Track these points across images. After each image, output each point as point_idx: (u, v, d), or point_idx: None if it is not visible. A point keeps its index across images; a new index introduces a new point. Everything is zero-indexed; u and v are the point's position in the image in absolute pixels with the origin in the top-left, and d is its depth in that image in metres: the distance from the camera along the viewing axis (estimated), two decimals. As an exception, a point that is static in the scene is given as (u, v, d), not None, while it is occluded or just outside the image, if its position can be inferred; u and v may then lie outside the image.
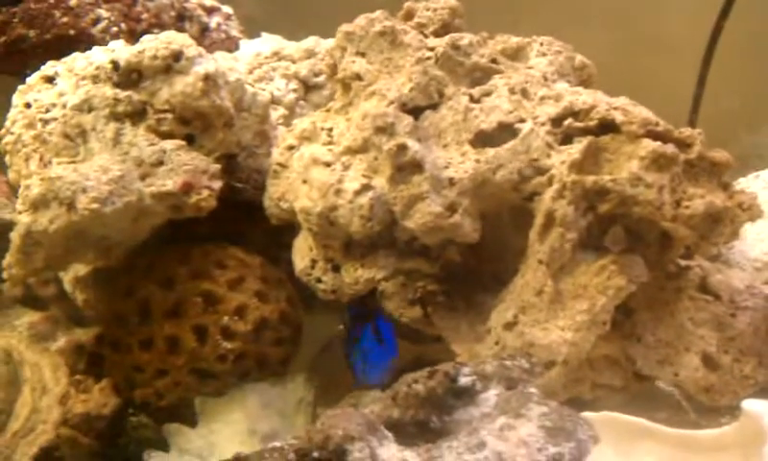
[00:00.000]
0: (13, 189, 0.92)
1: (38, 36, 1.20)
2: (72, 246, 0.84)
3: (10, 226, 1.04)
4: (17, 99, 0.92)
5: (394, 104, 0.86)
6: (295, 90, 1.10)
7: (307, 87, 1.11)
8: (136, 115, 0.87)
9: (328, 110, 0.93)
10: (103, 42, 1.23)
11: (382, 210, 0.84)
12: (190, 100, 0.88)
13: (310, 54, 1.14)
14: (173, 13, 1.31)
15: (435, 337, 0.94)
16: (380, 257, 0.87)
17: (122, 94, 0.86)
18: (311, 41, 1.16)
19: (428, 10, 0.95)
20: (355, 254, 0.88)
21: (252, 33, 1.34)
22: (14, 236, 0.83)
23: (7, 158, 0.89)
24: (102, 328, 0.97)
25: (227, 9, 1.36)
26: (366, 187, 0.84)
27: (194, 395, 0.88)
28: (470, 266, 0.90)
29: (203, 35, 1.34)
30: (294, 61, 1.12)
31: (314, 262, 0.90)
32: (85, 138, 0.86)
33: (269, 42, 1.26)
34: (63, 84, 0.90)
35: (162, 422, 0.90)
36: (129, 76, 0.88)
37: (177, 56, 0.88)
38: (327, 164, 0.86)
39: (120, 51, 0.88)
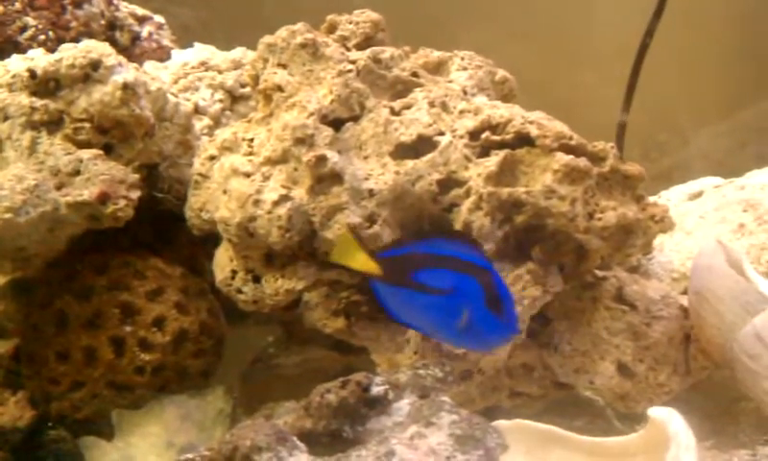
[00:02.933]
0: None
1: (-39, 43, 1.18)
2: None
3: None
4: None
5: (314, 115, 0.86)
6: (221, 101, 1.09)
7: (233, 98, 1.11)
8: (53, 124, 0.86)
9: (249, 121, 0.93)
10: (28, 50, 1.22)
11: (301, 221, 0.84)
12: (108, 109, 0.88)
13: (237, 64, 1.14)
14: (103, 22, 1.30)
15: (363, 348, 0.95)
16: (300, 268, 0.87)
17: (38, 103, 0.85)
18: (238, 52, 1.16)
19: (351, 23, 0.96)
20: (275, 264, 0.88)
21: (186, 42, 1.33)
22: (-74, 246, 0.81)
23: None
24: (18, 340, 0.96)
25: (158, 18, 1.35)
26: (284, 198, 0.84)
27: (111, 407, 0.87)
28: (391, 276, 0.91)
29: (133, 44, 1.33)
30: (220, 72, 1.12)
31: (234, 273, 0.90)
32: (1, 147, 0.85)
33: (199, 52, 1.26)
34: (-23, 93, 0.88)
35: (79, 435, 0.89)
36: (46, 84, 0.87)
37: (95, 64, 0.87)
38: (247, 175, 0.86)
39: (38, 59, 0.87)
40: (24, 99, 0.85)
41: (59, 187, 0.84)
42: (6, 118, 0.85)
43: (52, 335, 0.88)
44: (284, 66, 0.91)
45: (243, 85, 1.11)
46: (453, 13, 1.52)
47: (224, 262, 0.91)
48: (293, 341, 1.13)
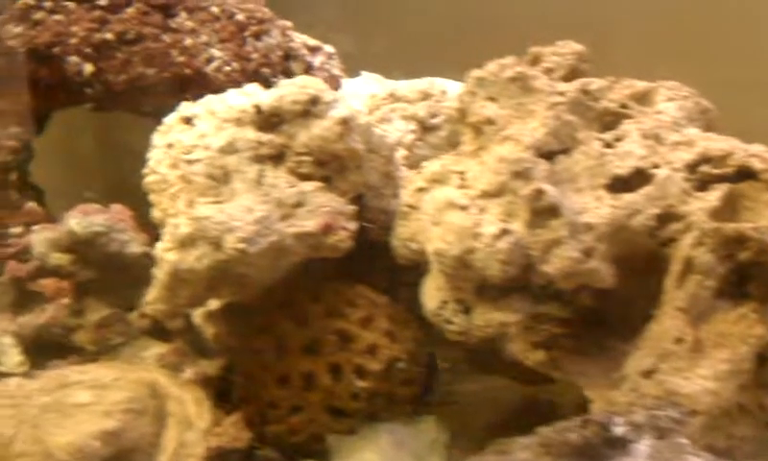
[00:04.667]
0: (156, 227, 0.95)
1: (157, 74, 1.25)
2: (214, 283, 0.87)
3: (138, 259, 1.09)
4: (159, 139, 0.95)
5: (529, 149, 0.87)
6: (413, 131, 1.12)
7: (424, 128, 1.13)
8: (277, 158, 0.90)
9: (458, 154, 0.94)
10: (216, 81, 1.28)
11: (520, 255, 0.85)
12: (327, 143, 0.91)
13: (425, 95, 1.16)
14: (280, 53, 1.35)
15: (547, 378, 0.95)
16: (514, 301, 0.88)
17: (264, 137, 0.89)
18: (425, 83, 1.18)
19: (556, 55, 0.97)
20: (488, 296, 0.89)
21: (349, 71, 1.37)
22: (160, 273, 0.86)
23: (152, 197, 0.93)
24: (233, 362, 1.00)
25: (328, 48, 1.39)
26: (504, 232, 0.85)
27: (326, 432, 0.90)
28: (600, 310, 0.91)
29: (307, 73, 1.37)
30: (410, 103, 1.15)
31: (444, 303, 0.91)
32: (229, 179, 0.89)
33: (372, 82, 1.29)
34: (204, 126, 0.93)
35: (290, 457, 0.92)
36: (269, 119, 0.91)
37: (314, 100, 0.91)
38: (463, 208, 0.87)
39: (260, 95, 0.91)
40: (251, 134, 0.89)
41: (284, 218, 0.87)
42: (234, 152, 0.89)
43: (272, 360, 0.91)
44: (494, 100, 0.92)
45: (433, 116, 1.13)
46: (649, 46, 1.49)
47: (433, 292, 0.92)
48: (472, 368, 1.13)
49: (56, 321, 1.05)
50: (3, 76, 1.23)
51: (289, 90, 0.91)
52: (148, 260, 1.10)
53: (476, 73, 0.94)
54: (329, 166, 0.92)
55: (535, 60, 0.98)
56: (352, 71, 1.35)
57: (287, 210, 0.88)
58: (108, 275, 1.09)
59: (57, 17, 1.24)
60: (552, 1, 1.61)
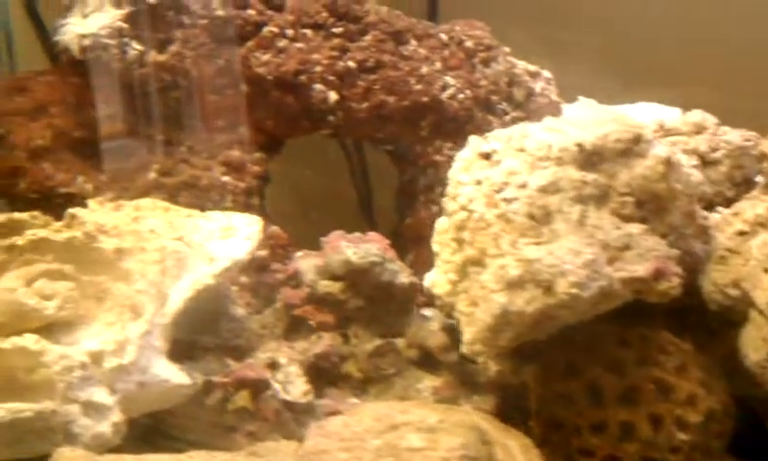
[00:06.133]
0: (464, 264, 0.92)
1: (397, 102, 1.25)
2: (537, 327, 0.85)
3: (405, 289, 1.08)
4: (464, 175, 0.93)
5: None
6: (695, 166, 1.07)
7: (705, 163, 1.09)
8: (599, 198, 0.87)
9: (781, 197, 0.90)
10: (450, 109, 1.26)
11: None
12: (649, 183, 0.88)
13: (699, 128, 1.12)
14: (506, 79, 1.33)
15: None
16: None
17: (589, 177, 0.86)
18: (697, 116, 1.14)
19: None
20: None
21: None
22: (485, 315, 0.84)
23: (465, 234, 0.91)
24: (506, 399, 0.98)
25: (546, 73, 1.36)
26: None
27: (641, 484, 0.86)
28: None
29: (528, 99, 1.34)
30: (684, 135, 1.11)
31: (771, 355, 0.87)
32: (550, 220, 0.86)
33: (590, 108, 1.25)
34: (512, 163, 0.90)
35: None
36: (590, 158, 0.88)
37: (637, 139, 0.88)
38: (804, 256, 0.83)
39: (581, 134, 0.89)
40: (575, 173, 0.86)
41: (610, 262, 0.84)
42: (557, 191, 0.86)
43: (585, 406, 0.88)
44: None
45: (713, 150, 1.09)
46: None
47: (758, 343, 0.88)
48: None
49: (333, 349, 1.05)
50: (251, 103, 1.25)
51: (612, 128, 0.88)
52: (413, 291, 1.10)
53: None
54: (646, 207, 0.89)
55: None
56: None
57: (613, 253, 0.85)
58: (375, 304, 1.08)
59: (298, 45, 1.25)
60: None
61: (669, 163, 0.88)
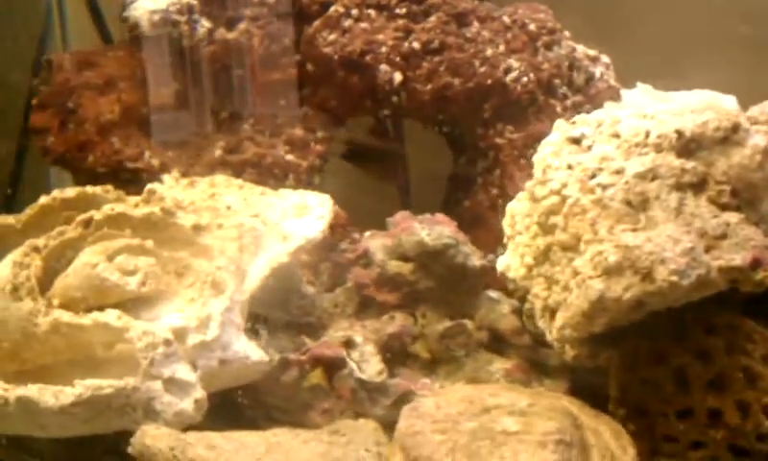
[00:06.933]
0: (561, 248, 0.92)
1: (462, 84, 1.24)
2: (632, 313, 0.85)
3: (476, 272, 1.07)
4: (555, 160, 0.93)
5: None
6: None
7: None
8: (697, 186, 0.87)
9: None
10: (514, 92, 1.26)
11: None
12: (746, 172, 0.88)
13: (778, 115, 1.12)
14: (567, 63, 1.32)
15: None
16: None
17: (688, 164, 0.86)
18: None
19: None
20: None
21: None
22: (580, 300, 0.84)
23: (558, 219, 0.90)
24: (581, 384, 0.98)
25: (605, 58, 1.36)
26: None
27: (727, 471, 0.87)
28: None
29: (588, 84, 1.34)
30: (760, 124, 1.10)
31: None
32: (646, 207, 0.86)
33: (649, 94, 1.25)
34: (605, 148, 0.90)
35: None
36: (687, 146, 0.88)
37: (736, 127, 0.88)
38: None
39: (679, 120, 0.88)
40: (674, 160, 0.86)
41: (708, 250, 0.84)
42: (655, 178, 0.86)
43: (671, 393, 0.89)
44: None
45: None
46: None
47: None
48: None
49: (405, 329, 1.04)
50: (316, 82, 1.23)
51: (711, 116, 0.88)
52: (485, 273, 1.09)
53: None
54: (741, 196, 0.89)
55: None
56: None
57: (710, 242, 0.85)
58: (445, 285, 1.08)
59: (363, 25, 1.23)
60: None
61: (767, 153, 0.88)
